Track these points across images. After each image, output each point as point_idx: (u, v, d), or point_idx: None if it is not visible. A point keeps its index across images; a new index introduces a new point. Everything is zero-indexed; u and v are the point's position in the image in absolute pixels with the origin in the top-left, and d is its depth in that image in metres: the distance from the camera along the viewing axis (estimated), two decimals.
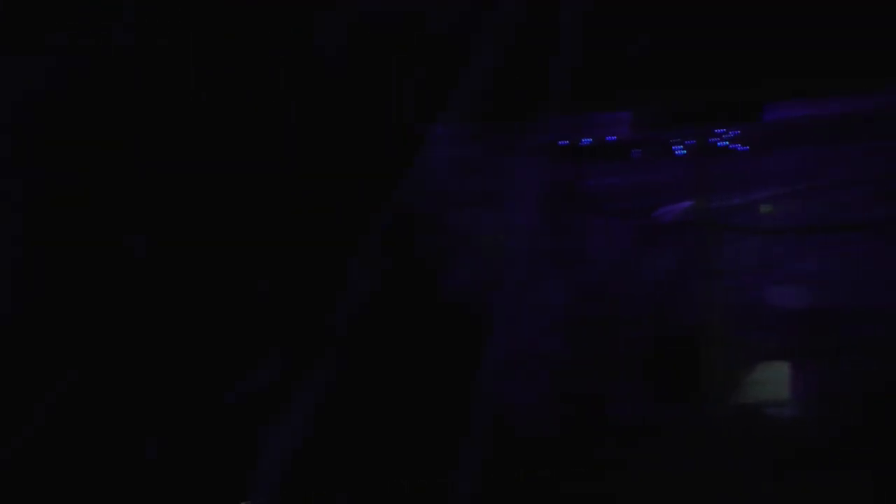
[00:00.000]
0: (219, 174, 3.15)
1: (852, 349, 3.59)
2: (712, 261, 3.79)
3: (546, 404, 3.44)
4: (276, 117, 3.23)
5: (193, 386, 3.10)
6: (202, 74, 3.17)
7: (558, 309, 3.70)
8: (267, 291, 3.15)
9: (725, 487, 3.09)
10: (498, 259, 3.66)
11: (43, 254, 3.09)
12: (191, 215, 3.15)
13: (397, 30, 3.35)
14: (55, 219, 3.13)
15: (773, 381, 3.68)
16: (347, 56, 3.28)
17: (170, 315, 3.14)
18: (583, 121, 3.85)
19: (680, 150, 3.94)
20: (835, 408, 3.54)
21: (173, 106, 3.17)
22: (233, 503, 2.99)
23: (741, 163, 3.91)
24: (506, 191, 3.75)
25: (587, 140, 3.87)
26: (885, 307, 3.59)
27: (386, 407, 3.20)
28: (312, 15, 3.24)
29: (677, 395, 3.59)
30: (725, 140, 3.93)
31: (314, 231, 3.27)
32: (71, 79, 3.11)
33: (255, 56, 3.17)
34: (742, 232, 3.83)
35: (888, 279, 3.61)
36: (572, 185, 3.88)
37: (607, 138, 3.87)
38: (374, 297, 3.21)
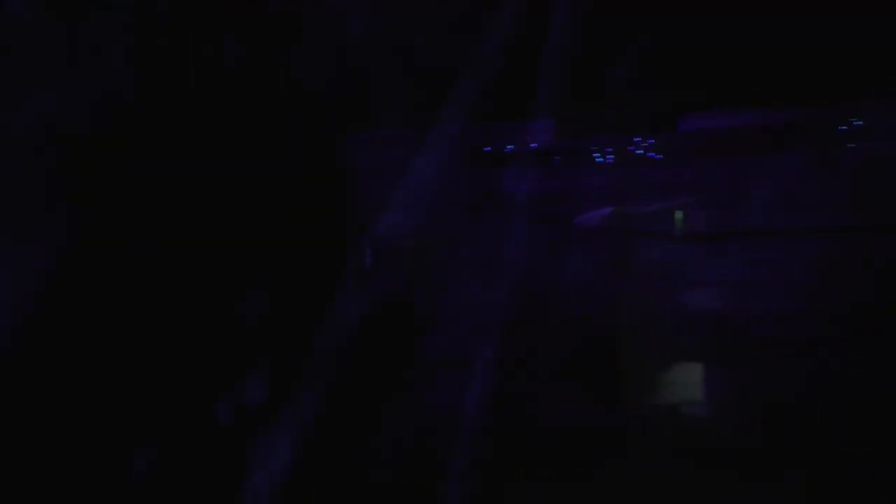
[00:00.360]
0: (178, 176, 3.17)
1: (761, 351, 3.75)
2: (631, 265, 3.92)
3: (476, 407, 3.52)
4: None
5: (187, 395, 3.11)
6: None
7: (485, 312, 3.78)
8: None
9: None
10: (425, 263, 3.73)
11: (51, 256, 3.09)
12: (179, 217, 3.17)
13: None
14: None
15: (687, 382, 3.82)
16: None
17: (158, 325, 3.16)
18: (507, 128, 3.95)
19: (599, 158, 4.07)
20: (746, 408, 3.68)
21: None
22: None
23: (658, 171, 4.06)
24: (434, 196, 3.83)
25: (511, 147, 3.97)
26: (792, 311, 3.74)
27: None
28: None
29: (601, 396, 3.70)
30: (642, 149, 4.08)
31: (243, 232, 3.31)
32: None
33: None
34: (659, 238, 3.96)
35: (796, 283, 3.78)
36: (497, 191, 3.97)
37: (530, 145, 3.98)
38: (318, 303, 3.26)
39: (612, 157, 4.04)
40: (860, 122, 4.25)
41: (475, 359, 3.70)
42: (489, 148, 3.98)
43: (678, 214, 4.10)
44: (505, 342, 3.77)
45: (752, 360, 3.60)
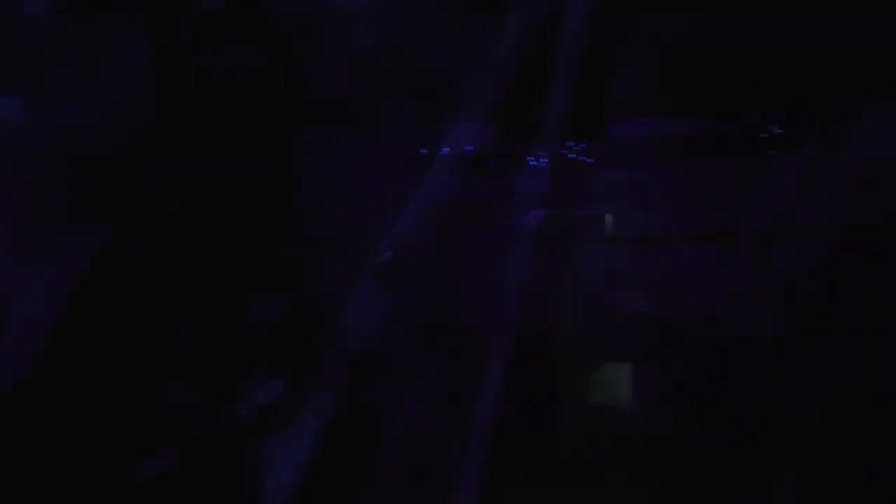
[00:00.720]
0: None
1: (690, 354, 3.83)
2: (564, 268, 3.97)
3: (410, 410, 3.53)
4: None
5: (198, 396, 3.07)
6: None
7: (417, 316, 3.79)
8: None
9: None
10: (358, 267, 3.73)
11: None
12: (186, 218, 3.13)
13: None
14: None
15: (618, 383, 3.88)
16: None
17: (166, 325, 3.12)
18: (442, 130, 3.97)
19: (533, 162, 4.11)
20: (675, 409, 3.76)
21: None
22: None
23: (589, 175, 4.11)
24: (366, 199, 3.83)
25: (446, 150, 3.98)
26: (720, 315, 3.83)
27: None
28: None
29: (532, 397, 3.74)
30: (574, 153, 4.13)
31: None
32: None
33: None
34: (591, 241, 4.02)
35: (723, 288, 3.86)
36: (430, 194, 3.98)
37: (465, 148, 4.00)
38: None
39: (546, 160, 4.09)
40: (779, 131, 4.37)
41: (405, 364, 3.71)
42: (425, 150, 3.99)
43: (608, 217, 4.17)
44: (436, 347, 3.79)
45: (691, 360, 3.68)
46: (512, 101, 3.81)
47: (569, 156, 4.07)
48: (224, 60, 3.16)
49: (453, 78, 3.68)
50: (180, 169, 3.08)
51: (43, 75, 2.97)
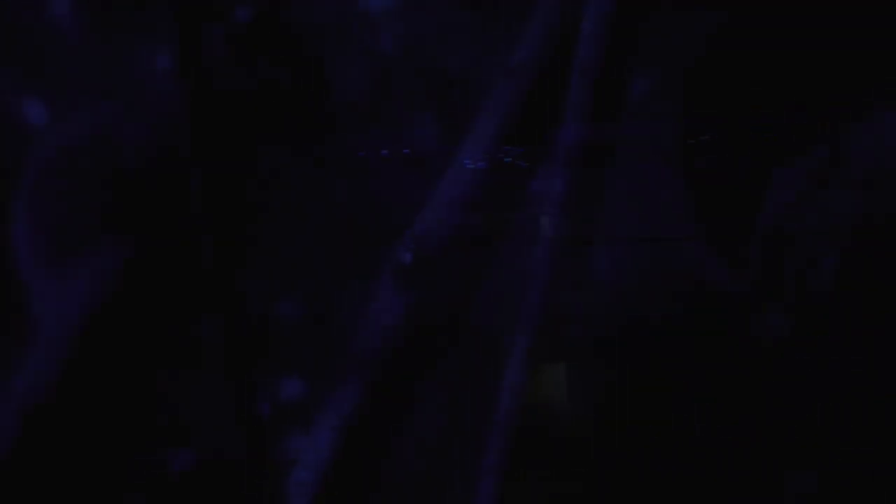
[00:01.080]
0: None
1: (633, 354, 3.88)
2: (503, 269, 4.00)
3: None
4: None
5: (217, 396, 3.05)
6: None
7: (367, 318, 3.80)
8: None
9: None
10: (305, 271, 3.74)
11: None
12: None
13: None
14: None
15: (553, 383, 3.92)
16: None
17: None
18: (382, 133, 3.99)
19: (470, 164, 4.14)
20: (608, 409, 3.81)
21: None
22: None
23: (529, 178, 4.16)
24: (309, 202, 3.84)
25: (385, 152, 4.01)
26: (664, 315, 3.89)
27: None
28: None
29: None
30: (511, 157, 4.17)
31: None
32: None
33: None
34: (530, 241, 4.06)
35: (667, 290, 3.93)
36: (370, 196, 4.00)
37: (404, 151, 4.03)
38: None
39: (483, 163, 4.12)
40: (706, 137, 4.47)
41: (364, 363, 3.73)
42: (363, 153, 4.01)
43: (545, 220, 4.22)
44: (387, 346, 3.80)
45: (619, 363, 3.74)
46: (453, 103, 3.86)
47: (505, 159, 4.11)
48: (248, 69, 3.18)
49: (396, 80, 3.72)
50: (203, 173, 3.09)
51: (70, 84, 2.98)
